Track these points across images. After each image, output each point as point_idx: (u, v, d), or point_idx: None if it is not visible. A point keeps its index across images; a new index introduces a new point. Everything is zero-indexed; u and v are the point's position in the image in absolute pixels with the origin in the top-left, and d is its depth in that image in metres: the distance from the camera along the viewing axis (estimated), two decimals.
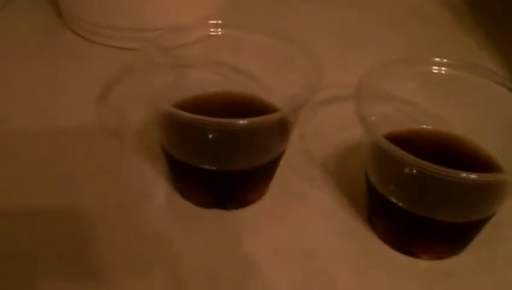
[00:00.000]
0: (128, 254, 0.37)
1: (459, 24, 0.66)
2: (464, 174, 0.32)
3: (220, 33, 0.42)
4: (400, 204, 0.36)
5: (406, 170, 0.34)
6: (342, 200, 0.41)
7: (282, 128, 0.38)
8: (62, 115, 0.47)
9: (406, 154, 0.32)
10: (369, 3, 0.69)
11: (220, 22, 0.42)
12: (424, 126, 0.41)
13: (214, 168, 0.38)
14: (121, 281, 0.35)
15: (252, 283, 0.35)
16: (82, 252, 0.36)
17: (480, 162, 0.38)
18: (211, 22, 0.42)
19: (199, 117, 0.34)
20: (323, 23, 0.63)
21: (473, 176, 0.32)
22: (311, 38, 0.43)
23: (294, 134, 0.40)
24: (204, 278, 0.35)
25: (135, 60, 0.38)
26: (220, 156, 0.38)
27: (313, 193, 0.42)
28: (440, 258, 0.38)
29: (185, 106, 0.39)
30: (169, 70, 0.42)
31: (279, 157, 0.40)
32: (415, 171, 0.33)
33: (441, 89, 0.40)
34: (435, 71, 0.39)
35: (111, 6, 0.54)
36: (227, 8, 0.59)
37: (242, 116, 0.34)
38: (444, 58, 0.39)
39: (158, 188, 0.41)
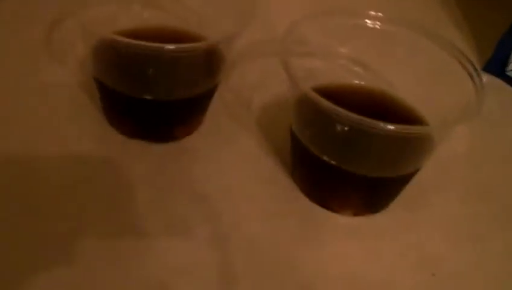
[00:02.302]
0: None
1: None
2: (381, 124, 0.31)
3: None
4: (323, 157, 0.35)
5: (331, 122, 0.33)
6: (269, 150, 0.40)
7: (213, 60, 0.37)
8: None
9: (330, 105, 0.31)
10: None
11: None
12: (354, 81, 0.40)
13: (142, 96, 0.37)
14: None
15: (159, 215, 0.35)
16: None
17: (406, 117, 0.37)
18: None
19: (129, 40, 0.33)
20: None
21: (391, 126, 0.31)
22: None
23: (235, 74, 0.39)
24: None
25: None
26: (147, 84, 0.37)
27: (242, 138, 0.41)
28: (356, 214, 0.37)
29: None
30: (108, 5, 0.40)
31: (209, 93, 0.39)
32: (331, 120, 0.32)
33: (372, 43, 0.39)
34: (369, 24, 0.38)
35: None
36: None
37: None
38: (379, 13, 0.38)
39: (87, 115, 0.40)
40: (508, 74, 0.51)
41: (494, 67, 0.51)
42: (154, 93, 0.37)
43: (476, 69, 0.35)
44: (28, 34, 0.47)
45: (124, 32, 0.38)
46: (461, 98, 0.34)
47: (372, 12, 0.38)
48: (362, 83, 0.40)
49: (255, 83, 0.45)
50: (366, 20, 0.38)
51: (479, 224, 0.38)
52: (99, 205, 0.35)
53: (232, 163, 0.39)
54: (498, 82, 0.51)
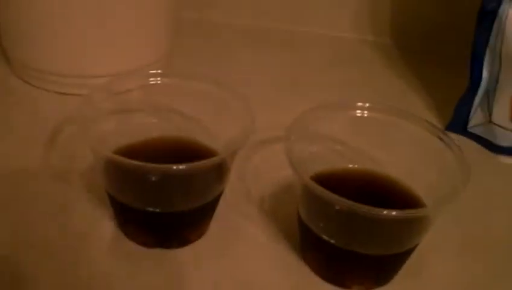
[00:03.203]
0: None
1: (388, 66, 0.70)
2: (385, 212, 0.35)
3: (159, 81, 0.45)
4: (329, 240, 0.38)
5: (333, 209, 0.37)
6: (277, 236, 0.44)
7: (220, 171, 0.41)
8: (10, 158, 0.49)
9: (331, 195, 0.35)
10: (304, 46, 0.73)
11: (160, 71, 0.45)
12: (351, 165, 0.44)
13: (156, 210, 0.40)
14: None
15: None
16: None
17: (403, 198, 0.41)
18: (153, 71, 0.45)
19: (138, 163, 0.36)
20: (261, 67, 0.66)
21: (393, 213, 0.35)
22: (250, 82, 0.46)
23: (232, 174, 0.43)
24: None
25: (82, 106, 0.41)
26: (161, 199, 0.40)
27: (250, 230, 0.44)
28: (368, 289, 0.41)
29: (127, 150, 0.42)
30: (114, 116, 0.44)
31: (218, 198, 0.42)
32: (340, 209, 0.36)
33: (366, 130, 0.43)
34: (359, 114, 0.43)
35: (56, 54, 0.56)
36: (169, 54, 0.62)
37: (182, 159, 0.37)
38: (367, 103, 0.43)
39: (103, 229, 0.43)
40: (470, 130, 0.56)
41: (456, 126, 0.56)
42: (166, 207, 0.40)
43: (456, 145, 0.40)
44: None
45: (130, 146, 0.42)
46: (447, 171, 0.39)
47: (360, 103, 0.43)
48: (356, 166, 0.44)
49: (255, 176, 0.48)
50: (357, 111, 0.43)
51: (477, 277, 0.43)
52: None
53: (244, 256, 0.42)
54: (462, 138, 0.57)
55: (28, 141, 0.51)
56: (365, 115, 0.43)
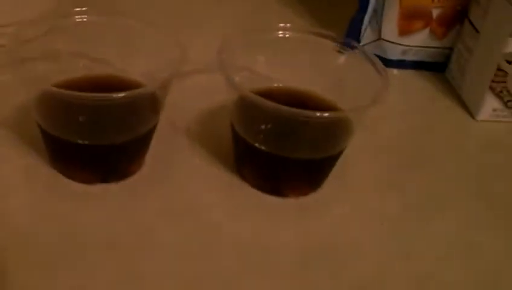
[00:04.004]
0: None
1: None
2: (318, 114, 0.38)
3: (75, 20, 0.44)
4: (264, 148, 0.41)
5: (267, 117, 0.40)
6: (211, 159, 0.46)
7: (155, 101, 0.42)
8: None
9: (267, 102, 0.38)
10: None
11: (76, 9, 0.44)
12: (275, 84, 0.47)
13: (91, 143, 0.41)
14: (21, 272, 0.36)
15: (150, 244, 0.39)
16: None
17: (323, 108, 0.45)
18: (70, 10, 0.44)
19: (79, 93, 0.37)
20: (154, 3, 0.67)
21: (325, 114, 0.39)
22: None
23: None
24: (103, 250, 0.38)
25: (5, 54, 0.40)
26: (96, 131, 0.41)
27: (184, 157, 0.46)
28: (304, 194, 0.44)
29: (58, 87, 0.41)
30: (32, 61, 0.43)
31: (152, 130, 0.43)
32: (274, 116, 0.39)
33: (284, 51, 0.46)
34: (279, 36, 0.46)
35: None
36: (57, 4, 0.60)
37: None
38: (288, 24, 0.46)
39: (39, 171, 0.43)
40: None
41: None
42: (103, 139, 0.41)
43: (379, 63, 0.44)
44: None
45: (57, 85, 0.41)
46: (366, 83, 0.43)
47: (282, 24, 0.46)
48: (281, 85, 0.47)
49: (177, 108, 0.50)
50: (278, 32, 0.46)
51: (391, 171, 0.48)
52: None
53: (184, 182, 0.44)
54: None
55: None
56: (287, 36, 0.46)
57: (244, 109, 0.42)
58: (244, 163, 0.44)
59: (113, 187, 0.43)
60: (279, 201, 0.43)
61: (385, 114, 0.53)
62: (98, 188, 0.42)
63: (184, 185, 0.44)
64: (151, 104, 0.42)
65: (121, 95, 0.38)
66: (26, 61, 0.41)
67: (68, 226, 0.39)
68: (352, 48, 0.45)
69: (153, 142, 0.44)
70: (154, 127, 0.43)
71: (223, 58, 0.41)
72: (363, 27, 0.60)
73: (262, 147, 0.41)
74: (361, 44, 0.60)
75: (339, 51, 0.46)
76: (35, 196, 0.42)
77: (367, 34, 0.60)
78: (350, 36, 0.60)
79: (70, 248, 0.38)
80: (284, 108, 0.38)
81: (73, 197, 0.42)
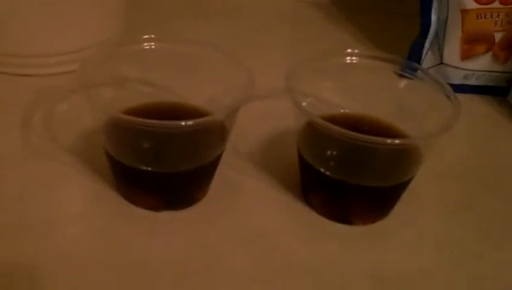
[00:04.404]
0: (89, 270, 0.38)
1: (330, 22, 0.73)
2: (389, 140, 0.38)
3: (147, 47, 0.45)
4: (331, 175, 0.41)
5: (336, 143, 0.40)
6: (276, 184, 0.46)
7: (222, 129, 0.42)
8: None
9: (338, 129, 0.37)
10: (245, 13, 0.74)
11: (151, 36, 0.45)
12: (342, 110, 0.46)
13: (159, 170, 0.41)
14: None
15: (220, 270, 0.39)
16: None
17: (390, 135, 0.44)
18: (144, 37, 0.45)
19: (148, 121, 0.37)
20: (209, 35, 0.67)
21: (396, 141, 0.38)
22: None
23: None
24: (174, 277, 0.38)
25: (74, 81, 0.40)
26: (164, 158, 0.41)
27: (249, 184, 0.46)
28: (372, 222, 0.43)
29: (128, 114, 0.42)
30: (105, 86, 0.44)
31: (219, 158, 0.43)
32: (344, 142, 0.38)
33: (347, 77, 0.46)
34: (348, 61, 0.45)
35: (10, 34, 0.54)
36: (125, 30, 0.61)
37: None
38: (355, 49, 0.45)
39: (107, 199, 0.43)
40: None
41: None
42: (171, 166, 0.41)
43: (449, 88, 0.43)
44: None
45: (127, 112, 0.41)
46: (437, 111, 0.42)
47: (349, 50, 0.45)
48: (347, 111, 0.46)
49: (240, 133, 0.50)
50: (347, 58, 0.45)
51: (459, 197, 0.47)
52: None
53: (251, 208, 0.44)
54: None
55: (2, 128, 0.49)
56: (354, 61, 0.45)
57: (312, 134, 0.41)
58: (310, 190, 0.44)
59: (179, 214, 0.43)
60: (346, 228, 0.43)
61: (449, 140, 0.52)
62: (165, 215, 0.42)
63: (251, 211, 0.44)
64: (219, 132, 0.42)
65: (190, 123, 0.38)
66: (93, 87, 0.41)
67: (137, 254, 0.39)
68: (416, 70, 0.45)
69: (219, 168, 0.44)
70: (221, 154, 0.43)
71: (290, 83, 0.40)
72: (424, 51, 0.59)
73: (330, 174, 0.41)
74: None
75: (401, 75, 0.46)
76: (103, 222, 0.42)
77: (428, 59, 0.60)
78: (411, 61, 0.59)
79: (137, 276, 0.38)
80: (354, 134, 0.37)
81: (141, 224, 0.42)
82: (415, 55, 0.59)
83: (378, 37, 0.69)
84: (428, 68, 0.60)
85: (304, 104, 0.40)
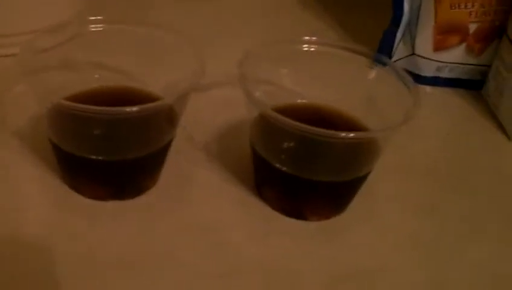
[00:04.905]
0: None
1: (306, 10, 0.71)
2: (343, 134, 0.36)
3: (93, 29, 0.43)
4: (286, 169, 0.39)
5: (290, 137, 0.38)
6: (229, 176, 0.44)
7: (171, 115, 0.40)
8: None
9: (290, 121, 0.35)
10: None
11: (93, 18, 0.43)
12: (299, 100, 0.44)
13: (106, 158, 0.39)
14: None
15: (166, 264, 0.37)
16: None
17: (349, 127, 0.42)
18: (87, 18, 0.43)
19: (91, 107, 0.35)
20: (185, 20, 0.65)
21: (351, 134, 0.36)
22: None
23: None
24: (119, 268, 0.36)
25: (16, 64, 0.38)
26: (111, 146, 0.39)
27: (202, 174, 0.44)
28: (327, 217, 0.42)
29: (71, 100, 0.39)
30: (50, 70, 0.42)
31: (168, 145, 0.41)
32: (297, 136, 0.37)
33: (310, 65, 0.44)
34: (305, 49, 0.43)
35: None
36: (85, 8, 0.59)
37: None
38: (313, 37, 0.43)
39: (50, 185, 0.41)
40: None
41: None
42: (117, 154, 0.39)
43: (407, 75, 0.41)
44: None
45: (72, 97, 0.40)
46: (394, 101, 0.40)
47: (306, 37, 0.43)
48: (305, 101, 0.44)
49: (196, 121, 0.48)
50: (303, 45, 0.43)
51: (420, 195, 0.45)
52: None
53: (201, 200, 0.42)
54: None
55: None
56: (311, 49, 0.43)
57: (265, 127, 0.39)
58: (264, 183, 0.42)
59: (127, 204, 0.41)
60: (301, 224, 0.41)
61: (417, 133, 0.50)
62: (112, 204, 0.41)
63: (201, 203, 0.42)
64: (168, 118, 0.40)
65: (135, 109, 0.36)
66: (41, 72, 0.39)
67: (83, 244, 0.38)
68: (382, 63, 0.43)
69: (170, 157, 0.43)
70: (170, 142, 0.41)
71: (243, 71, 0.38)
72: (396, 41, 0.57)
73: (284, 168, 0.39)
74: (393, 59, 0.58)
75: (370, 67, 0.44)
76: (48, 210, 0.40)
77: (400, 49, 0.58)
78: (382, 50, 0.57)
79: (85, 267, 0.36)
80: (307, 127, 0.35)
81: (87, 214, 0.40)
82: (386, 45, 0.57)
83: (355, 27, 0.67)
84: (400, 59, 0.58)
85: (257, 93, 0.38)
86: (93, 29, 0.43)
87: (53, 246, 0.37)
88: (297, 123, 0.35)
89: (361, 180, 0.41)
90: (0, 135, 0.45)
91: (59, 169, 0.42)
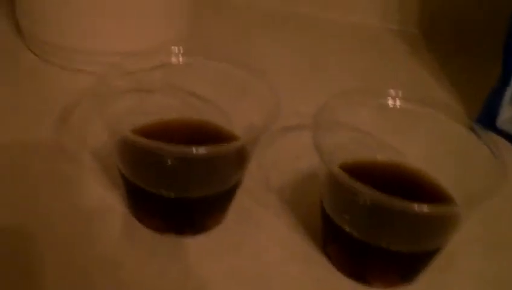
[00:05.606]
0: (78, 278, 0.36)
1: (414, 56, 0.67)
2: (416, 206, 0.33)
3: (180, 60, 0.42)
4: (353, 233, 0.36)
5: (359, 200, 0.35)
6: (298, 227, 0.42)
7: (240, 157, 0.39)
8: (20, 135, 0.47)
9: (359, 185, 0.33)
10: (325, 31, 0.70)
11: (181, 48, 0.42)
12: (379, 157, 0.42)
13: (171, 195, 0.38)
14: None
15: None
16: (28, 274, 0.36)
17: (432, 194, 0.39)
18: (173, 47, 0.42)
19: (156, 144, 0.34)
20: (282, 51, 0.64)
21: (425, 208, 0.33)
22: (270, 67, 0.44)
23: (252, 162, 0.40)
24: None
25: (97, 84, 0.39)
26: (177, 183, 0.38)
27: (269, 220, 0.42)
28: (392, 286, 0.39)
29: (144, 131, 0.39)
30: (130, 95, 0.42)
31: (236, 186, 0.40)
32: (367, 201, 0.34)
33: (396, 120, 0.41)
34: (390, 103, 0.41)
35: (70, 28, 0.54)
36: (187, 33, 0.59)
37: (200, 143, 0.35)
38: (399, 90, 0.41)
39: (115, 212, 0.41)
40: (499, 126, 0.54)
41: (484, 121, 0.54)
42: (181, 192, 0.38)
43: (493, 140, 0.37)
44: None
45: (146, 126, 0.40)
46: (479, 167, 0.37)
47: (392, 91, 0.41)
48: (386, 159, 0.41)
49: (275, 164, 0.46)
50: (388, 98, 0.41)
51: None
52: None
53: (263, 247, 0.40)
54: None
55: (39, 116, 0.49)
56: (396, 105, 0.41)
57: (335, 185, 0.37)
58: (330, 241, 0.39)
59: (187, 241, 0.40)
60: (362, 289, 0.38)
61: (506, 206, 0.46)
62: (169, 239, 0.40)
63: (262, 249, 0.40)
64: (238, 159, 0.39)
65: (202, 151, 0.35)
66: (113, 101, 0.39)
67: (131, 273, 0.37)
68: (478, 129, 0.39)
69: (239, 196, 0.41)
70: (238, 183, 0.40)
71: (317, 120, 0.36)
72: (503, 102, 0.53)
73: (349, 230, 0.36)
74: (499, 119, 0.53)
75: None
76: (105, 237, 0.40)
77: (507, 110, 0.53)
78: (486, 111, 0.53)
79: None
80: (377, 195, 0.32)
81: (143, 244, 0.39)
82: (492, 104, 0.53)
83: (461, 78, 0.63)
84: (505, 121, 0.54)
85: (329, 147, 0.36)
86: (177, 60, 0.42)
87: (101, 271, 0.37)
88: (367, 188, 0.33)
89: (435, 252, 0.38)
90: (79, 154, 0.46)
91: (125, 197, 0.41)
